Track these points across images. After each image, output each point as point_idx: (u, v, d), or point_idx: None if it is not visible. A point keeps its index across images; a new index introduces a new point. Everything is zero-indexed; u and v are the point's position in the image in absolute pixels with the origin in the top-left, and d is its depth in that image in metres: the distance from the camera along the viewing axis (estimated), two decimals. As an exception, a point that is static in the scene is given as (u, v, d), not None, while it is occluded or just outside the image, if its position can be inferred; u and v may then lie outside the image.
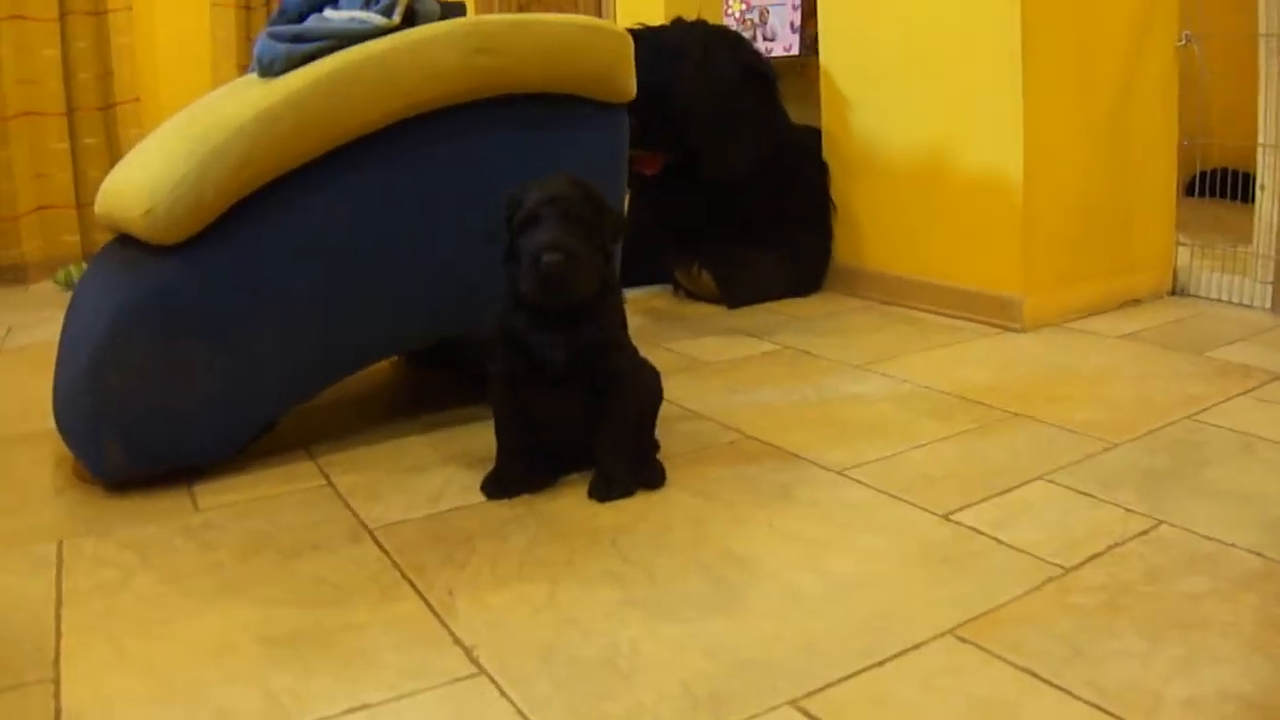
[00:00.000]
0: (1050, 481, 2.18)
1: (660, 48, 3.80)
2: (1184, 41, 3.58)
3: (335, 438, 2.64)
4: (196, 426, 2.40)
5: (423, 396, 3.05)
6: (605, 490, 2.19)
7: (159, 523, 2.20)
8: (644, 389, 2.30)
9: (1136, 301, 3.63)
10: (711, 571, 1.87)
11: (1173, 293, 3.72)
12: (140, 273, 2.37)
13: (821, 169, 4.08)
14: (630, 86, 2.76)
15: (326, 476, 2.41)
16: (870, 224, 3.97)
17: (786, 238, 4.06)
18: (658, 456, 2.34)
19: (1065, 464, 2.27)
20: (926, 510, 2.08)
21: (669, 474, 2.28)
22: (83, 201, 5.36)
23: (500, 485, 2.24)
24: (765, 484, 2.25)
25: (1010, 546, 1.90)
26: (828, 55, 4.05)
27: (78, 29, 5.44)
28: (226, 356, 2.40)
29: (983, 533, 1.96)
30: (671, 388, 2.50)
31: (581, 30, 2.66)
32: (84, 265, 4.93)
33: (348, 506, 2.24)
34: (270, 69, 2.45)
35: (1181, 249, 3.73)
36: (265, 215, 2.38)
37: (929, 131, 3.65)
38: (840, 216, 4.07)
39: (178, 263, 2.34)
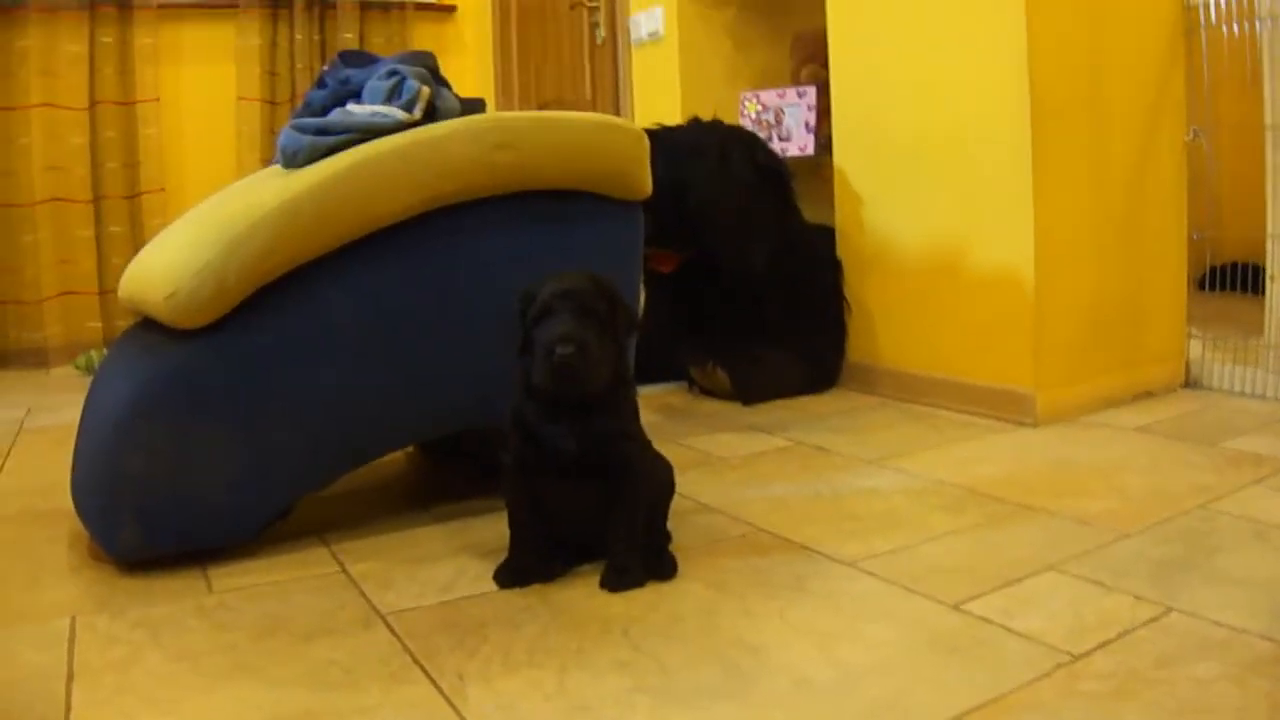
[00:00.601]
0: (1060, 571, 2.18)
1: (677, 147, 3.84)
2: (1192, 136, 3.62)
3: (349, 526, 2.66)
4: (213, 509, 2.42)
5: (436, 487, 3.08)
6: (616, 581, 2.20)
7: (172, 603, 2.22)
8: (656, 480, 2.32)
9: (1149, 394, 3.65)
10: (722, 660, 1.87)
11: (1185, 385, 3.75)
12: (162, 355, 2.41)
13: (835, 267, 4.12)
14: (646, 184, 2.80)
15: (340, 563, 2.42)
16: (884, 321, 4.00)
17: (801, 335, 4.09)
18: (670, 548, 2.35)
19: (1076, 554, 2.27)
20: (937, 600, 2.08)
21: (681, 565, 2.29)
22: (105, 288, 5.46)
23: (512, 575, 2.25)
24: (777, 576, 2.25)
25: (1019, 634, 1.90)
26: (841, 154, 4.11)
27: (106, 118, 5.58)
28: (245, 440, 2.43)
29: (992, 621, 1.96)
30: (685, 482, 2.53)
31: (599, 129, 2.71)
32: (105, 351, 4.97)
33: (361, 592, 2.25)
34: (294, 160, 2.50)
35: (1194, 341, 3.76)
36: (286, 303, 2.42)
37: (941, 228, 3.69)
38: (854, 314, 4.10)
39: (199, 346, 2.38)
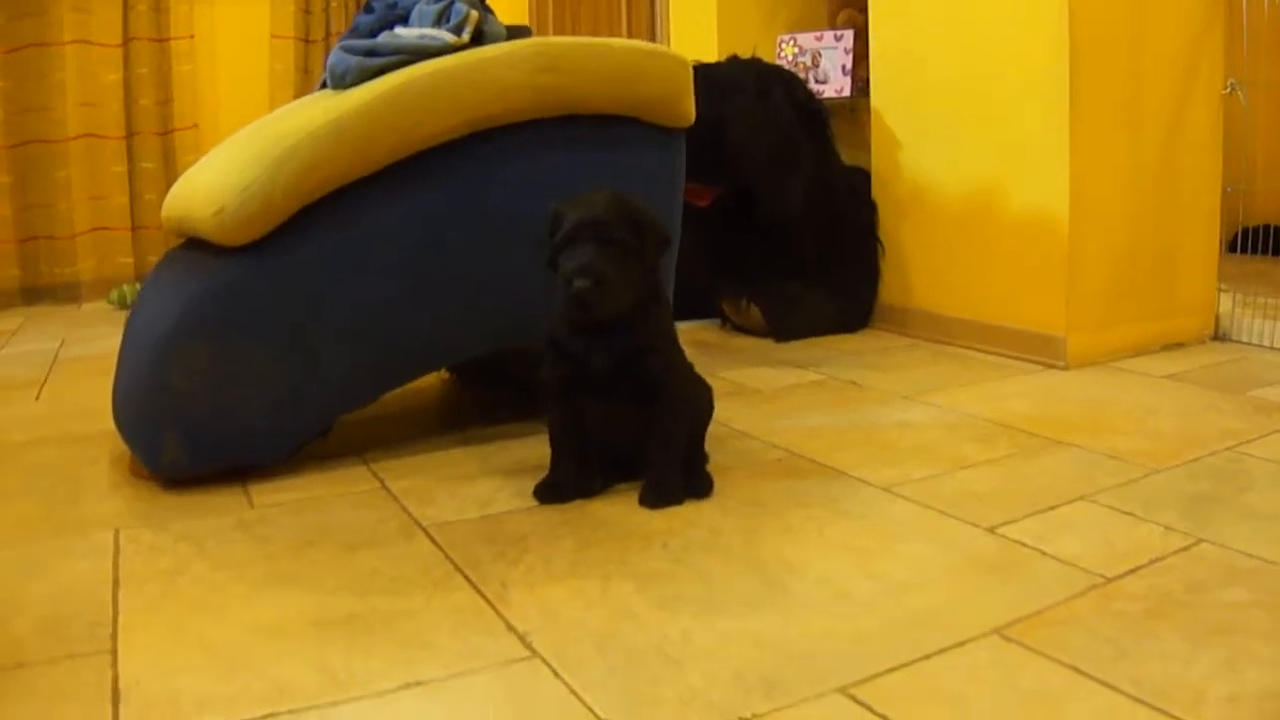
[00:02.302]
0: (1092, 502, 2.20)
1: (717, 82, 3.84)
2: (1229, 89, 3.60)
3: (388, 446, 2.69)
4: (254, 427, 2.46)
5: (473, 411, 3.12)
6: (656, 497, 2.23)
7: (215, 517, 2.26)
8: (694, 400, 2.35)
9: (1179, 345, 3.64)
10: (762, 573, 1.90)
11: (1214, 337, 3.74)
12: (208, 273, 2.44)
13: (870, 209, 4.12)
14: (689, 111, 2.82)
15: (380, 479, 2.46)
16: (917, 263, 4.01)
17: (835, 275, 4.10)
18: (707, 468, 2.38)
19: (1107, 486, 2.29)
20: (972, 524, 2.10)
21: (718, 485, 2.32)
22: (138, 224, 5.48)
23: (552, 490, 2.29)
24: (814, 497, 2.28)
25: (1054, 558, 1.93)
26: (878, 97, 4.10)
27: (140, 55, 5.60)
28: (289, 358, 2.46)
29: (1027, 545, 1.99)
30: (720, 411, 2.53)
31: (644, 54, 2.73)
32: (137, 286, 5.01)
33: (402, 507, 2.28)
34: (342, 81, 2.52)
35: (1224, 295, 3.75)
36: (331, 221, 2.45)
37: (976, 172, 3.68)
38: (888, 255, 4.11)
39: (245, 263, 2.40)
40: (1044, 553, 1.95)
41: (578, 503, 2.27)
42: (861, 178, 4.15)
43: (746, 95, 3.88)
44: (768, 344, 3.94)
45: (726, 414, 2.84)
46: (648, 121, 2.76)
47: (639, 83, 2.72)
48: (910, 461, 2.50)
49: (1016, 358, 3.54)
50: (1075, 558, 1.92)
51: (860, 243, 4.11)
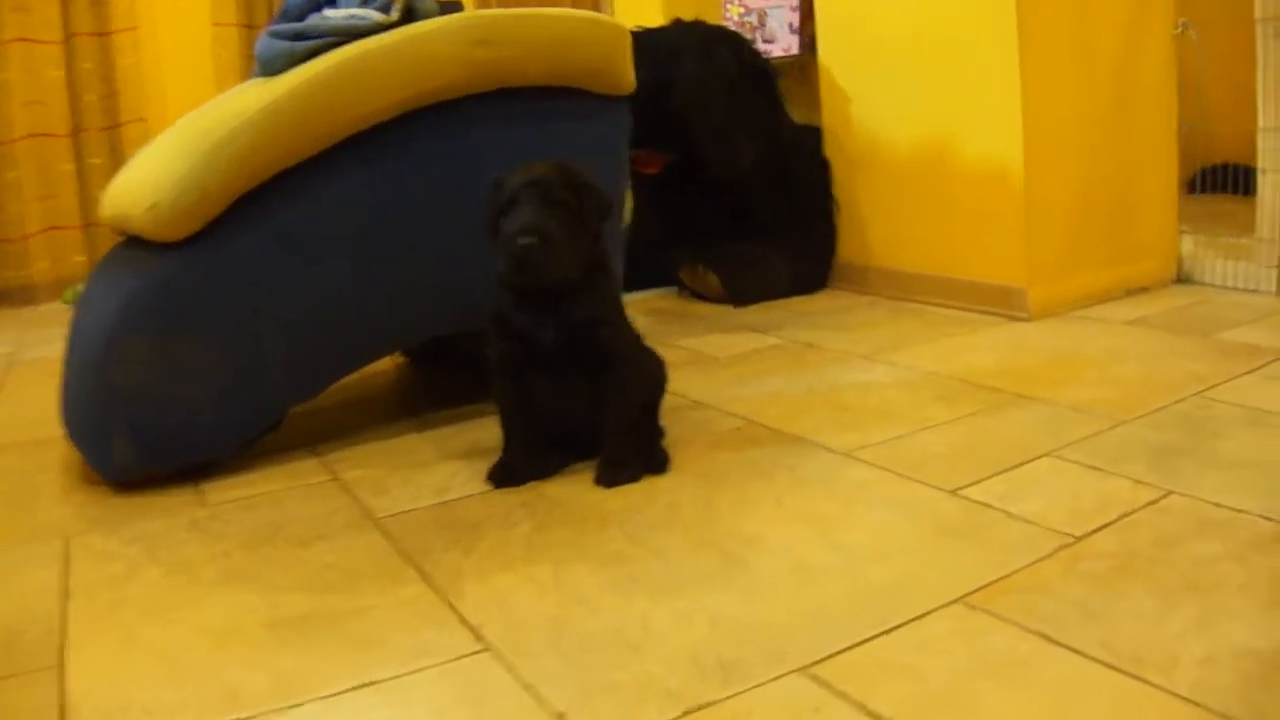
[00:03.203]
0: (1058, 458, 2.17)
1: (660, 47, 3.79)
2: (1181, 29, 3.57)
3: (340, 436, 2.64)
4: (203, 423, 2.40)
5: (427, 395, 3.07)
6: (611, 475, 2.18)
7: (166, 517, 2.20)
8: (646, 374, 2.30)
9: (1142, 289, 3.61)
10: (720, 549, 1.86)
11: (1177, 280, 3.71)
12: (148, 268, 2.37)
13: (823, 166, 4.09)
14: (629, 78, 2.77)
15: (333, 472, 2.41)
16: (874, 219, 3.98)
17: (791, 236, 4.07)
18: (663, 443, 2.33)
19: (1073, 440, 2.25)
20: (935, 487, 2.06)
21: (675, 459, 2.28)
22: (90, 221, 5.38)
23: (506, 474, 2.24)
24: (772, 466, 2.24)
25: (1019, 518, 1.89)
26: (826, 51, 4.05)
27: (83, 51, 5.47)
28: (232, 351, 2.40)
29: (992, 506, 1.95)
30: (676, 380, 2.50)
31: (579, 23, 2.67)
32: (94, 284, 4.92)
33: (354, 498, 2.23)
34: (271, 67, 2.46)
35: (1185, 237, 3.72)
36: (269, 210, 2.39)
37: (929, 124, 3.66)
38: (844, 213, 4.09)
39: (182, 257, 2.34)
40: (1010, 514, 1.91)
41: (533, 484, 2.22)
42: (813, 136, 4.11)
43: (691, 57, 3.83)
44: (726, 310, 3.90)
45: (683, 384, 2.80)
46: (588, 90, 2.71)
47: (576, 51, 2.66)
48: (871, 424, 2.45)
49: (977, 311, 3.51)
50: (1041, 517, 1.89)
51: (815, 202, 4.08)
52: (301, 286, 2.44)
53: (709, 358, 3.18)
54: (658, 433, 2.35)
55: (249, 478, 2.41)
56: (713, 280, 3.96)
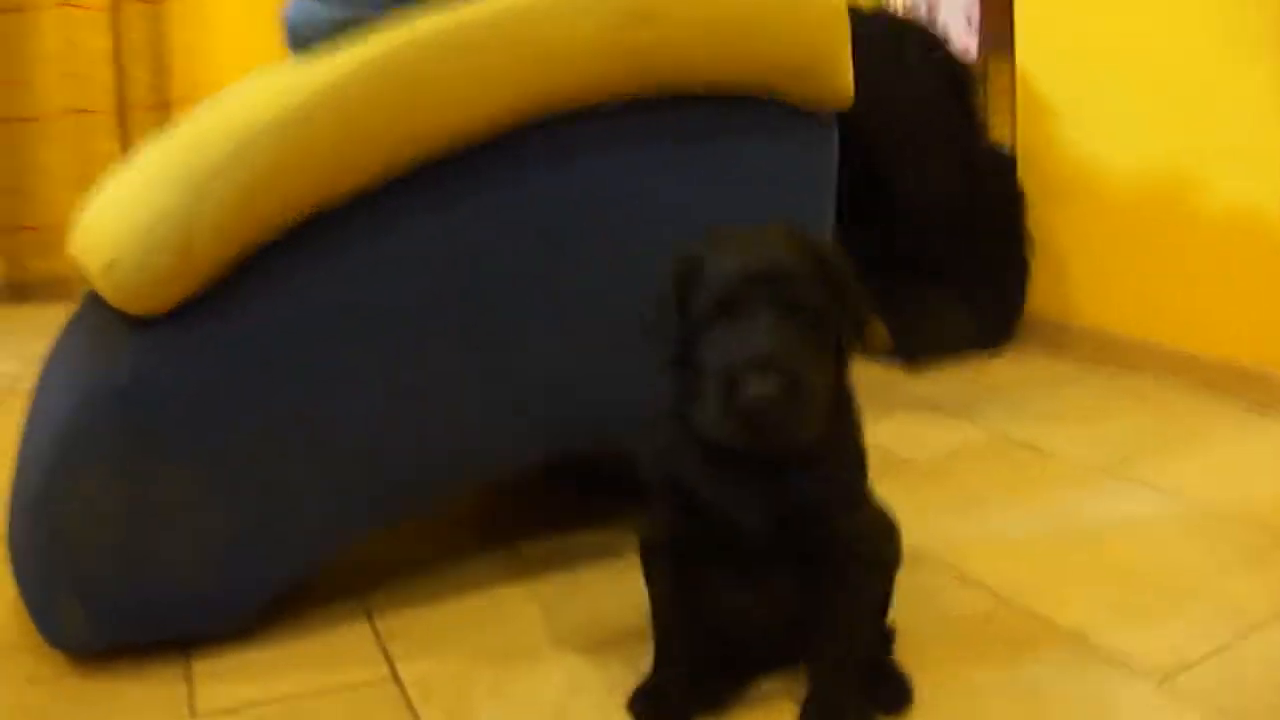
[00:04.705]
0: None
1: (843, 38, 3.13)
2: None
3: (402, 588, 1.92)
4: (190, 584, 1.70)
5: (529, 511, 2.30)
6: None
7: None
8: (881, 563, 1.56)
9: None
10: None
11: None
12: (107, 358, 1.67)
13: (1016, 198, 3.46)
14: (847, 84, 2.01)
15: (389, 660, 1.70)
16: (1080, 267, 3.33)
17: (974, 280, 3.45)
18: (892, 653, 1.60)
19: None
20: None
21: (909, 676, 1.55)
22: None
23: (658, 708, 1.50)
24: (1058, 702, 1.53)
25: None
26: (1026, 54, 3.41)
27: (131, 18, 4.98)
28: (231, 487, 1.69)
29: None
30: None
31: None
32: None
33: None
34: (306, 43, 1.71)
35: None
36: (287, 275, 1.65)
37: (1160, 153, 3.01)
38: (1039, 256, 3.44)
39: (158, 344, 1.63)
40: None
41: None
42: (1003, 159, 3.50)
43: (876, 54, 3.17)
44: (894, 372, 3.24)
45: None
46: (784, 100, 1.92)
47: (773, 38, 1.86)
48: (1170, 612, 1.76)
49: (1223, 398, 2.83)
50: None
51: (1006, 240, 3.47)
52: (337, 395, 1.71)
53: (901, 461, 2.49)
54: (887, 638, 1.61)
55: (263, 658, 1.71)
56: (879, 331, 3.33)
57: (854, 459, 1.48)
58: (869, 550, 1.47)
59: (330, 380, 1.69)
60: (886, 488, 2.00)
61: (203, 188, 1.54)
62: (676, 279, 1.38)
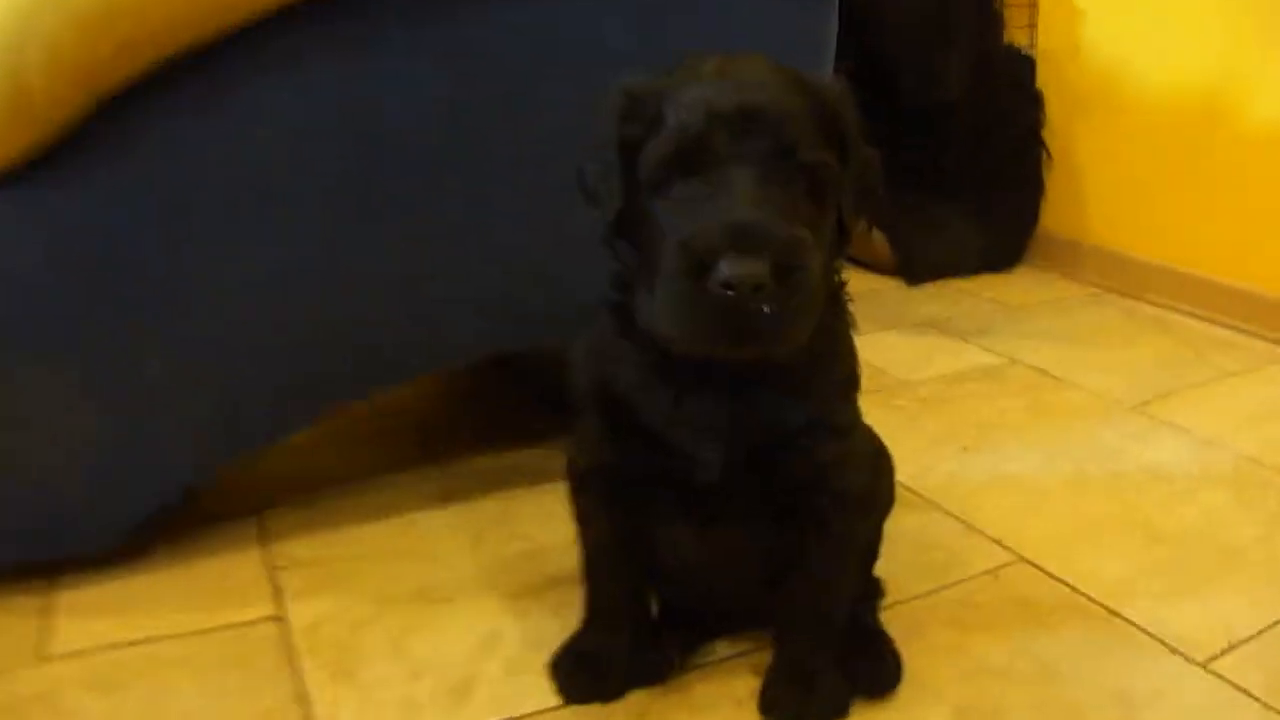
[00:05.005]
0: None
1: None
2: None
3: (304, 503, 1.65)
4: (51, 499, 1.43)
5: (451, 420, 2.02)
6: (798, 707, 1.16)
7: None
8: (871, 505, 1.26)
9: None
10: None
11: None
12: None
13: (1033, 103, 3.22)
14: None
15: (277, 596, 1.42)
16: (1101, 182, 3.10)
17: (984, 192, 3.22)
18: (879, 614, 1.32)
19: None
20: None
21: (900, 649, 1.27)
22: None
23: (588, 671, 1.22)
24: (1079, 686, 1.25)
25: None
26: (1053, -56, 3.21)
27: None
28: (100, 386, 1.39)
29: None
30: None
31: None
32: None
33: (299, 681, 1.24)
34: None
35: None
36: (158, 129, 1.33)
37: (1196, 62, 2.77)
38: (1055, 169, 3.21)
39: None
40: None
41: (637, 697, 1.21)
42: (1021, 60, 3.26)
43: None
44: (895, 286, 3.00)
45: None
46: None
47: None
48: (1210, 578, 1.49)
49: (1255, 334, 2.59)
50: None
51: (1020, 150, 3.22)
52: (223, 275, 1.40)
53: (898, 383, 2.21)
54: (872, 594, 1.33)
55: (134, 590, 1.44)
56: (880, 245, 3.10)
57: (843, 374, 1.17)
58: (855, 488, 1.16)
59: (206, 264, 1.39)
60: (880, 415, 1.73)
61: (25, 20, 1.23)
62: (621, 115, 1.05)
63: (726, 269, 0.92)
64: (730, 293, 0.92)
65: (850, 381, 1.17)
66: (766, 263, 0.93)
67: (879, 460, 1.29)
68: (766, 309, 0.93)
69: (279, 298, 1.41)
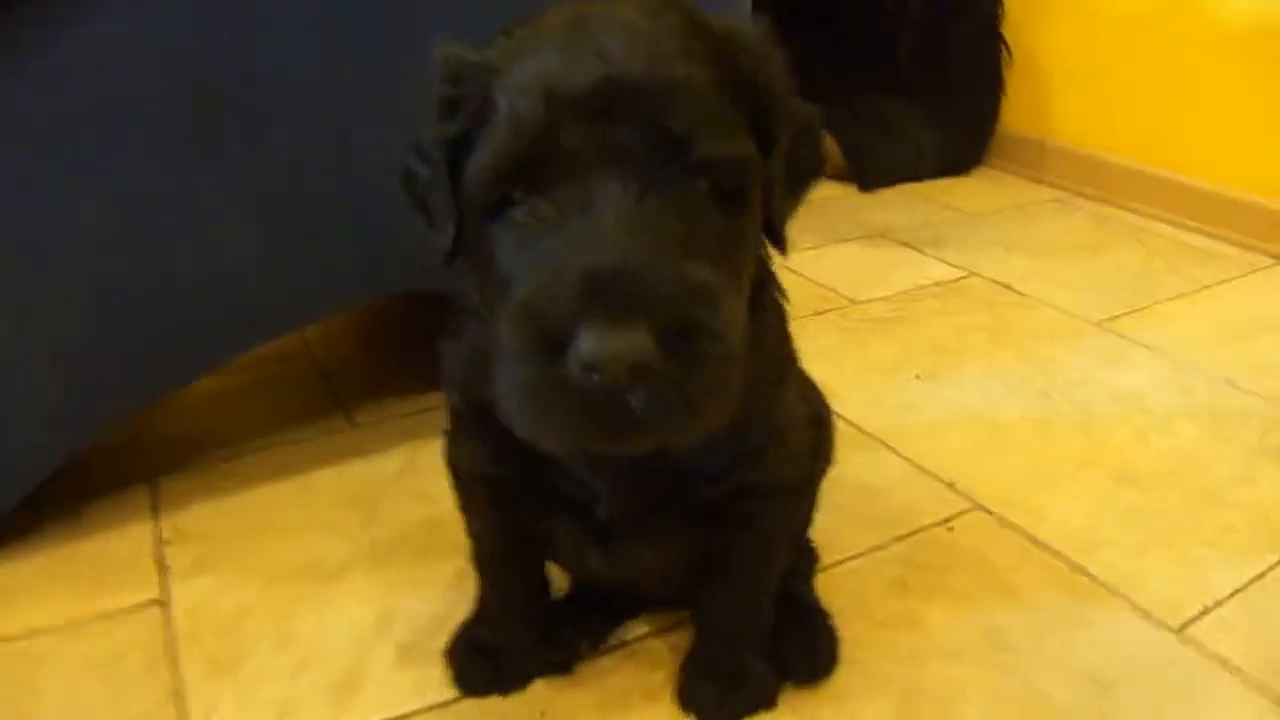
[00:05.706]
0: None
1: None
2: None
3: (200, 465, 1.49)
4: None
5: (355, 361, 1.88)
6: (721, 702, 1.02)
7: None
8: (806, 488, 1.09)
9: None
10: None
11: None
12: None
13: None
14: None
15: (162, 575, 1.27)
16: (1061, 79, 3.01)
17: (940, 90, 3.08)
18: (813, 581, 1.17)
19: None
20: None
21: (846, 627, 1.12)
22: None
23: (484, 661, 1.07)
24: (1041, 665, 1.11)
25: None
26: None
27: None
28: None
29: None
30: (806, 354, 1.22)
31: None
32: None
33: (177, 691, 1.09)
34: None
35: None
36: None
37: None
38: (1017, 63, 3.10)
39: None
40: None
41: (540, 688, 1.07)
42: None
43: None
44: (848, 192, 2.85)
45: (818, 366, 1.34)
46: None
47: None
48: (1185, 530, 1.35)
49: (1227, 240, 2.53)
50: None
51: (978, 47, 3.10)
52: (81, 214, 1.22)
53: (848, 302, 2.05)
54: (809, 562, 1.19)
55: (18, 576, 1.27)
56: (832, 149, 2.91)
57: (776, 373, 0.95)
58: (787, 482, 0.97)
59: (52, 189, 1.21)
60: (828, 339, 1.60)
61: None
62: (443, 105, 0.78)
63: (587, 346, 0.65)
64: (596, 378, 0.66)
65: (784, 369, 0.97)
66: (649, 331, 0.66)
67: (818, 430, 1.09)
68: (654, 397, 0.67)
69: (125, 245, 1.24)
